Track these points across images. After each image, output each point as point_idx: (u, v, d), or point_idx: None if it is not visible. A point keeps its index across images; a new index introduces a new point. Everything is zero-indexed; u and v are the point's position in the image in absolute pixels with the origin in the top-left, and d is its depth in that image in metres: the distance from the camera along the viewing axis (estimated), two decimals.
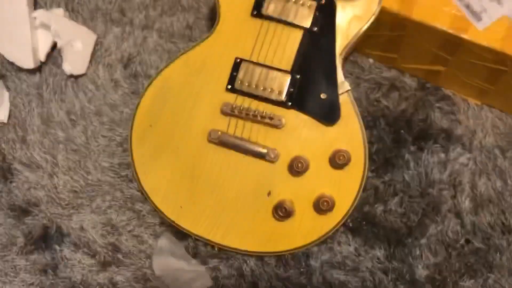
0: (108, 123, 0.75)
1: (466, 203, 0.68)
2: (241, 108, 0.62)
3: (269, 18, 0.62)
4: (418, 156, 0.70)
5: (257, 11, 0.63)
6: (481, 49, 0.62)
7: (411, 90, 0.73)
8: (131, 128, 0.65)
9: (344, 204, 0.60)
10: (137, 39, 0.78)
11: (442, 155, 0.70)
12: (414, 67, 0.72)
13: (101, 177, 0.72)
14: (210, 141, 0.62)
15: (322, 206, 0.60)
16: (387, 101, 0.73)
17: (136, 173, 0.64)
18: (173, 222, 0.64)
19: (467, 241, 0.67)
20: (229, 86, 0.62)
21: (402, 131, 0.71)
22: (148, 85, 0.65)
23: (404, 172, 0.70)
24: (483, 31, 0.62)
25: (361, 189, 0.60)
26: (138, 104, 0.65)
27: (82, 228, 0.71)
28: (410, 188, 0.69)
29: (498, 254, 0.66)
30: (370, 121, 0.72)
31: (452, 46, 0.64)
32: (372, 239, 0.68)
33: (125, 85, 0.76)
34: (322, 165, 0.61)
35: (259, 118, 0.61)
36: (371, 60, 0.75)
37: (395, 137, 0.71)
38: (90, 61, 0.77)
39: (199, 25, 0.79)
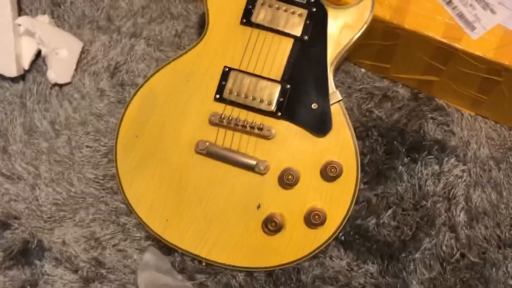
0: (93, 133, 0.73)
1: (460, 216, 0.67)
2: (230, 118, 0.60)
3: (259, 27, 0.61)
4: (411, 167, 0.69)
5: (247, 19, 0.62)
6: (474, 59, 0.61)
7: (403, 100, 0.72)
8: (116, 138, 0.63)
9: (336, 217, 0.59)
10: (125, 47, 0.77)
11: (436, 167, 0.69)
12: (407, 77, 0.71)
13: (85, 189, 0.70)
14: (197, 152, 0.61)
15: (313, 219, 0.58)
16: (379, 111, 0.71)
17: (120, 185, 0.63)
18: (159, 236, 0.62)
19: (462, 256, 0.66)
20: (218, 96, 0.61)
21: (395, 142, 0.70)
22: (134, 94, 0.64)
23: (397, 184, 0.68)
24: (476, 41, 0.61)
25: (354, 202, 0.59)
26: (124, 113, 0.64)
27: (64, 242, 0.68)
28: (403, 201, 0.67)
29: (494, 269, 0.65)
30: (362, 132, 0.70)
31: (445, 56, 0.63)
32: (365, 254, 0.66)
33: (111, 94, 0.75)
34: (313, 177, 0.59)
35: (248, 128, 0.60)
36: (363, 70, 0.74)
37: (387, 148, 0.70)
38: (76, 69, 0.76)
39: (188, 33, 0.77)
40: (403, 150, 0.69)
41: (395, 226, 0.67)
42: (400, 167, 0.69)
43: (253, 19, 0.61)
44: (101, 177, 0.71)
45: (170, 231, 0.61)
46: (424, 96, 0.72)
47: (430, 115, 0.71)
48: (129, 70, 0.76)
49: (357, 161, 0.59)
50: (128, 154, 0.63)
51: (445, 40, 0.61)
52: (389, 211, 0.67)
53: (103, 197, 0.70)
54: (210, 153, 0.60)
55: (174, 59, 0.63)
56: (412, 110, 0.71)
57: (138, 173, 0.62)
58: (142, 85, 0.64)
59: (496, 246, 0.66)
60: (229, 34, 0.62)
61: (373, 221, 0.67)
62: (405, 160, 0.69)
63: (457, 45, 0.61)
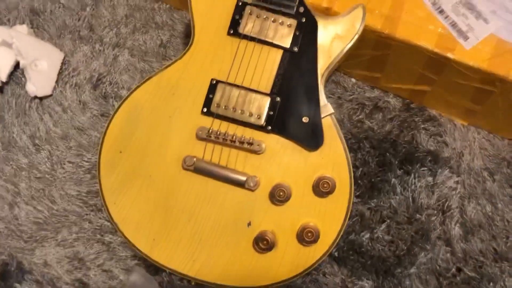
0: (75, 148, 0.70)
1: (456, 229, 0.65)
2: (218, 132, 0.58)
3: (247, 37, 0.59)
4: (404, 180, 0.67)
5: (234, 30, 0.60)
6: (468, 69, 0.60)
7: (395, 110, 0.71)
8: (99, 154, 0.61)
9: (329, 234, 0.57)
10: (108, 58, 0.74)
11: (430, 179, 0.67)
12: (398, 87, 0.70)
13: (68, 206, 0.68)
14: (184, 168, 0.58)
15: (306, 237, 0.56)
16: (371, 122, 0.70)
17: (104, 202, 0.60)
18: (146, 255, 0.59)
19: (459, 270, 0.64)
20: (205, 109, 0.59)
21: (387, 153, 0.68)
22: (118, 107, 0.61)
23: (390, 197, 0.67)
24: (470, 51, 0.60)
25: (347, 218, 0.57)
26: (107, 127, 0.61)
27: (46, 263, 0.66)
28: (397, 214, 0.66)
29: (491, 284, 0.64)
30: (354, 144, 0.69)
31: (438, 66, 0.62)
32: (360, 270, 0.64)
33: (94, 107, 0.72)
34: (305, 193, 0.57)
35: (237, 143, 0.58)
36: (353, 80, 0.72)
37: (380, 161, 0.68)
38: (57, 81, 0.73)
39: (173, 43, 0.75)
40: (396, 162, 0.68)
41: (389, 240, 0.65)
42: (393, 179, 0.67)
43: (240, 30, 0.59)
44: (84, 194, 0.68)
45: (158, 250, 0.59)
46: (416, 106, 0.71)
47: (422, 126, 0.70)
48: (112, 81, 0.73)
49: (350, 176, 0.57)
50: (112, 171, 0.60)
51: (437, 50, 0.60)
52: (383, 225, 0.66)
53: (86, 214, 0.68)
54: (198, 169, 0.58)
55: (159, 71, 0.61)
56: (404, 121, 0.70)
57: (123, 190, 0.60)
58: (126, 98, 0.61)
59: (493, 259, 0.64)
60: (216, 45, 0.60)
61: (367, 235, 0.65)
62: (398, 172, 0.68)
63: (450, 55, 0.60)
